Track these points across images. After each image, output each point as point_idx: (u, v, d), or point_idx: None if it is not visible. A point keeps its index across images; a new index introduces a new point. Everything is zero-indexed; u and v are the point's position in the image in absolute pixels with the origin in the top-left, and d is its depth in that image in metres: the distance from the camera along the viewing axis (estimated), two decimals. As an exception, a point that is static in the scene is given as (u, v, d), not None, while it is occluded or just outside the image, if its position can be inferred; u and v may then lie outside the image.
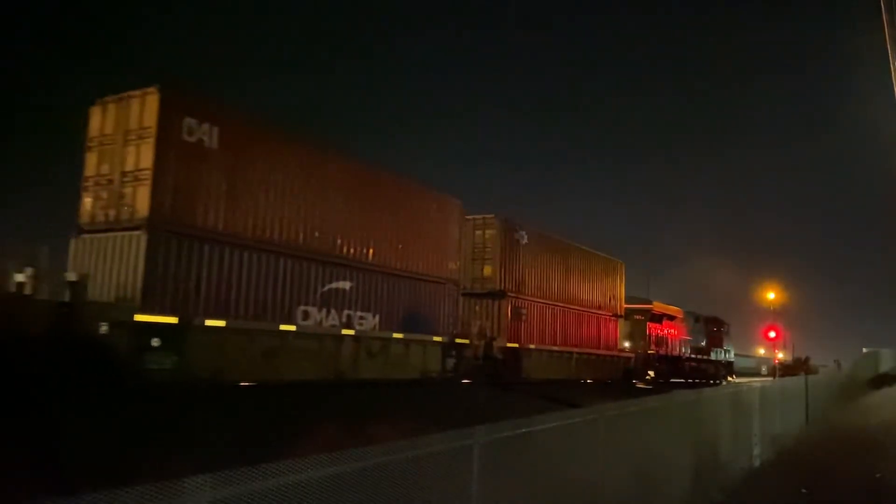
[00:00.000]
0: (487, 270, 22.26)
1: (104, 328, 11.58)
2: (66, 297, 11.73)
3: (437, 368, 19.18)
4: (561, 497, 5.18)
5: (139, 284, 12.16)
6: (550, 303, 25.06)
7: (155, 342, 12.23)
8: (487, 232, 22.44)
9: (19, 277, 11.72)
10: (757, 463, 11.90)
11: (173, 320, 12.46)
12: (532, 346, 23.63)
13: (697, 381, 34.86)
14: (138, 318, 11.90)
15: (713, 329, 40.40)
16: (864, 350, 48.34)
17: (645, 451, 6.92)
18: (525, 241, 23.75)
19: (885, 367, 40.46)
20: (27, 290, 11.54)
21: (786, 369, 47.95)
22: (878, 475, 10.28)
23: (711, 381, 36.16)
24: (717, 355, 40.60)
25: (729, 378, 40.57)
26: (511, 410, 6.28)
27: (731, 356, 44.03)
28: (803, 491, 9.59)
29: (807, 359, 60.33)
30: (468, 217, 21.65)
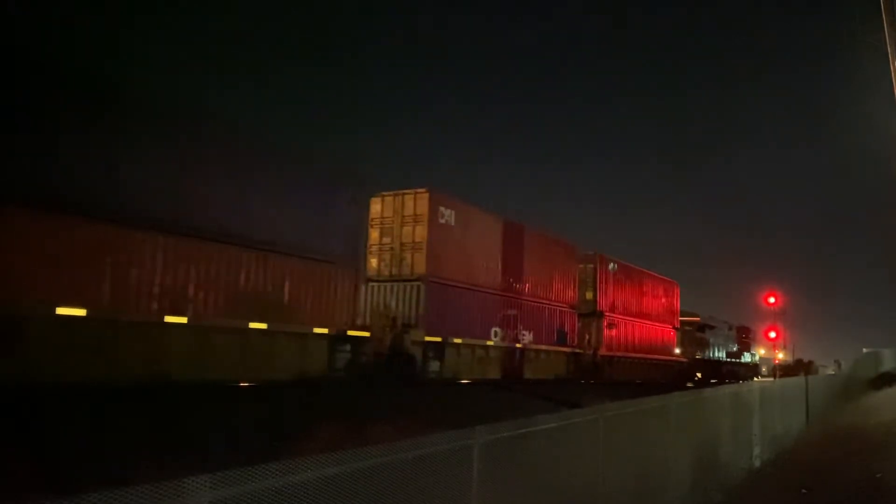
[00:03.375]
0: (589, 295, 29.09)
1: (410, 345, 18.35)
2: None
3: (566, 371, 26.00)
4: (561, 496, 5.26)
5: (422, 316, 18.92)
6: (631, 319, 31.92)
7: (430, 354, 19.06)
8: (588, 265, 29.26)
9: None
10: (757, 463, 11.98)
11: (438, 339, 19.26)
12: (620, 354, 30.47)
13: (732, 381, 41.62)
14: (427, 338, 18.68)
15: (742, 336, 47.41)
16: (865, 350, 47.38)
17: (645, 450, 7.01)
18: (613, 270, 30.60)
19: (885, 367, 40.76)
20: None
21: (785, 370, 49.42)
22: (878, 475, 10.24)
23: (743, 381, 42.94)
24: (745, 359, 47.61)
25: (755, 378, 47.43)
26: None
27: (757, 359, 51.05)
28: (803, 491, 9.66)
29: (810, 362, 59.12)
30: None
